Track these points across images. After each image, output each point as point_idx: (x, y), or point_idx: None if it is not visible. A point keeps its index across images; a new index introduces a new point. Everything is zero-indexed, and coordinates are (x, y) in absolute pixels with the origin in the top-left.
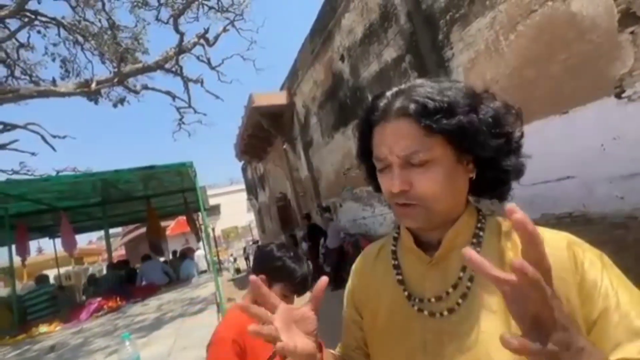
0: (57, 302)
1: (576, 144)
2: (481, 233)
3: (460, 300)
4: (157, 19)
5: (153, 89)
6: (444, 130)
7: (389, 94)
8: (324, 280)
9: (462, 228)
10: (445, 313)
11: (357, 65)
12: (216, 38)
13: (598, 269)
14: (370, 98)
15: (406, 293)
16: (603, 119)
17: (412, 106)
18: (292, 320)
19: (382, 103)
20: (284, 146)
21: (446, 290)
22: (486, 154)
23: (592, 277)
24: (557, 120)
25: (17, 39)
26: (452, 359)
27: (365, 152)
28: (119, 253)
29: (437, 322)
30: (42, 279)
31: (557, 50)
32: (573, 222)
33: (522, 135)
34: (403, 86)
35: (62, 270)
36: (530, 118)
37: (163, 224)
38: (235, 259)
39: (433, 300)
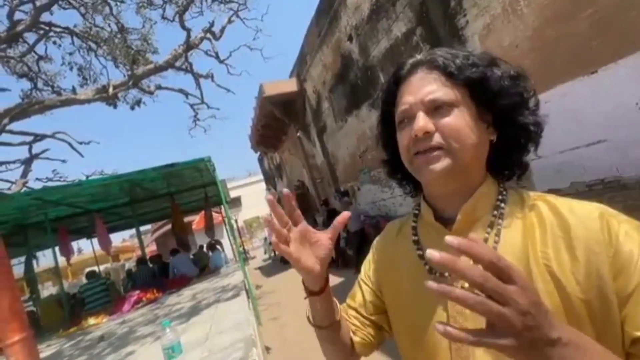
0: (109, 293)
1: (607, 106)
2: (502, 205)
3: None
4: (163, 17)
5: (166, 88)
6: (468, 79)
7: (413, 59)
8: (345, 214)
9: (481, 199)
10: (467, 286)
11: (366, 43)
12: (222, 30)
13: (635, 241)
14: (381, 77)
15: (427, 267)
16: (637, 76)
17: (440, 59)
18: (308, 240)
19: (411, 61)
20: (298, 134)
21: None
22: (505, 103)
23: (627, 249)
24: (585, 82)
25: (35, 52)
26: None
27: (387, 118)
28: (151, 249)
29: None
30: (92, 275)
31: (582, 4)
32: (606, 189)
33: (537, 102)
34: (424, 54)
35: (102, 267)
36: (554, 81)
37: (188, 218)
38: (271, 243)
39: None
